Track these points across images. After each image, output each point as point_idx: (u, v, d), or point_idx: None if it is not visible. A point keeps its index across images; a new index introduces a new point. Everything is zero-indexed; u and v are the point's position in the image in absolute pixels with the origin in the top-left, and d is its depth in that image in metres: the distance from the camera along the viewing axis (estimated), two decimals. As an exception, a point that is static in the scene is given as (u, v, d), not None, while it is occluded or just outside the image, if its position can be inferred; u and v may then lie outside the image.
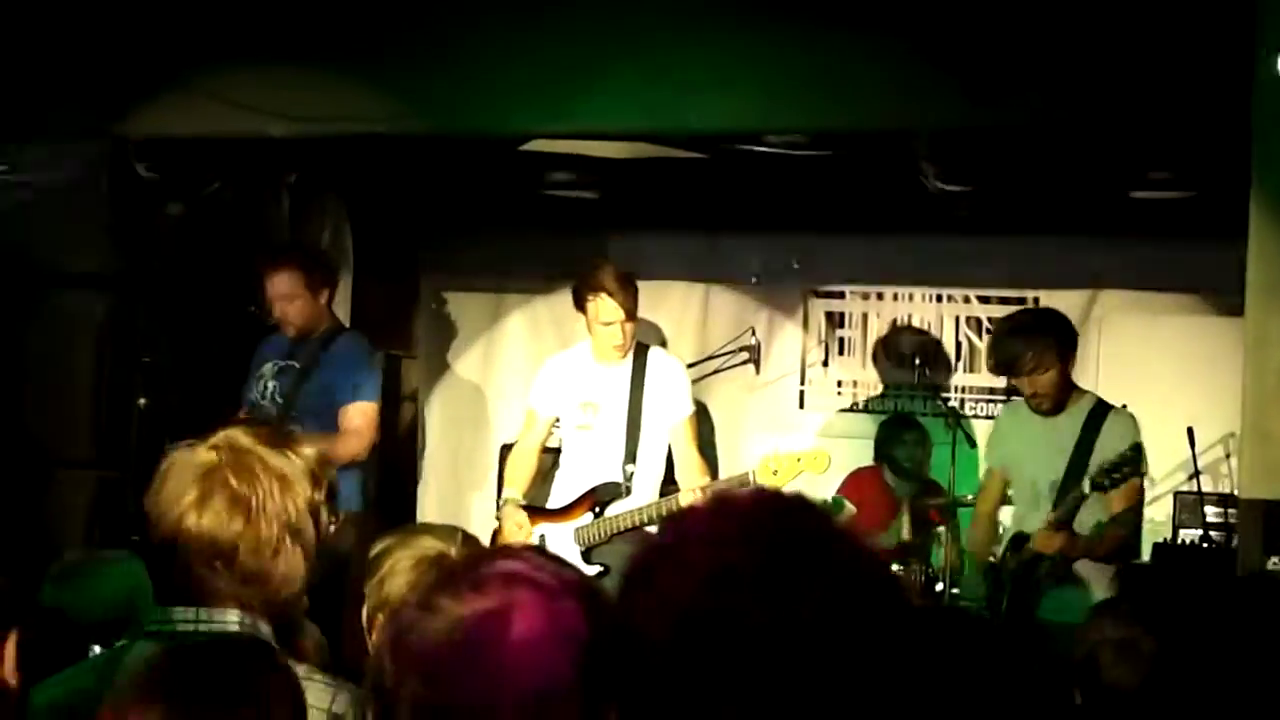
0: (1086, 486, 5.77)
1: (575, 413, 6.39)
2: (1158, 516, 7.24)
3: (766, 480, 5.88)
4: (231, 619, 2.49)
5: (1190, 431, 6.82)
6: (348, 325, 7.46)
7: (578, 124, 5.83)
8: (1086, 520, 5.92)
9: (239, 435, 2.58)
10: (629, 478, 6.20)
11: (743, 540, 1.55)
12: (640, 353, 6.36)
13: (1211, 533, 6.83)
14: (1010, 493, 6.35)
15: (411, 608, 1.71)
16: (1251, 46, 4.87)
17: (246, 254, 7.04)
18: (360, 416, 6.42)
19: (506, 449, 7.86)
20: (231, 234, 7.29)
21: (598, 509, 6.21)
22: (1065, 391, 6.02)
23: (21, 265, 6.85)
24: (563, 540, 6.20)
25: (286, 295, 6.45)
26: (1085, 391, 6.17)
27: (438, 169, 7.45)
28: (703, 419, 7.62)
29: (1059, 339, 5.97)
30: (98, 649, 3.36)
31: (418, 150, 7.02)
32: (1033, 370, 5.90)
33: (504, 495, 6.51)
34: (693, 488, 6.05)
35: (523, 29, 5.70)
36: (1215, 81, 5.13)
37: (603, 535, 6.18)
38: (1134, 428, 6.03)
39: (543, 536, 6.25)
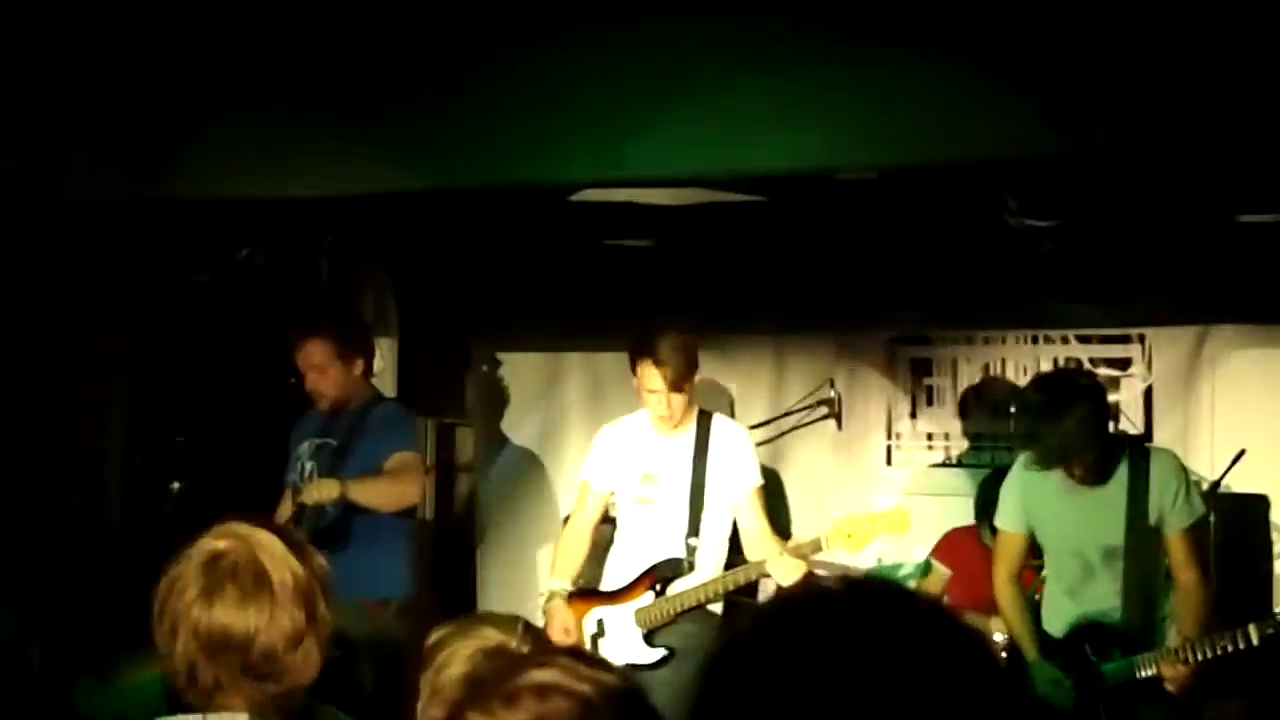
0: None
1: (634, 485, 6.42)
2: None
3: (840, 544, 5.92)
4: None
5: (1320, 475, 6.80)
6: (394, 395, 7.59)
7: (632, 171, 5.90)
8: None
9: (239, 525, 2.63)
10: (691, 552, 6.21)
11: (827, 633, 1.52)
12: (704, 420, 6.37)
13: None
14: (1039, 561, 6.27)
15: None
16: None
17: (282, 323, 7.20)
18: (400, 463, 6.46)
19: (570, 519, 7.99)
20: (266, 302, 7.45)
21: (659, 587, 6.22)
22: (1110, 456, 5.87)
23: (48, 341, 7.03)
24: (623, 623, 6.24)
25: (318, 366, 6.58)
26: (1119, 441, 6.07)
27: (484, 225, 7.58)
28: (779, 482, 7.69)
29: (1098, 408, 5.83)
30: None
31: (462, 207, 7.13)
32: (1081, 453, 5.76)
33: (549, 586, 6.52)
34: (761, 558, 6.06)
35: (570, 74, 5.80)
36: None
37: (666, 616, 6.18)
38: (1180, 465, 5.98)
39: (600, 621, 6.29)
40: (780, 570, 5.91)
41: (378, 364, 8.12)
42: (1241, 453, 6.81)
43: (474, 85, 5.96)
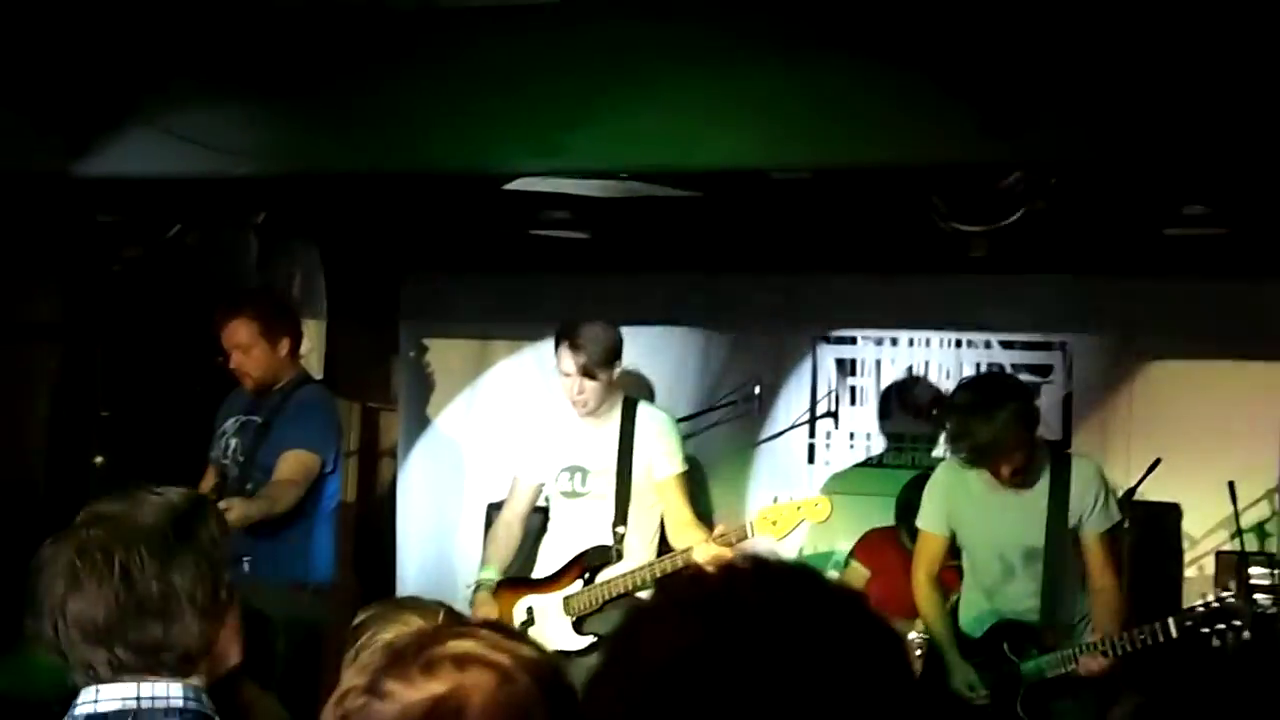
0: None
1: (561, 477, 6.41)
2: (1198, 577, 7.29)
3: (765, 532, 5.89)
4: (175, 692, 2.54)
5: (1231, 486, 6.85)
6: (320, 376, 7.51)
7: (568, 162, 5.85)
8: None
9: (105, 505, 2.59)
10: (619, 540, 6.22)
11: (706, 619, 1.52)
12: (629, 407, 6.37)
13: (1256, 595, 6.82)
14: (961, 563, 6.27)
15: (359, 692, 1.73)
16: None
17: (211, 301, 7.11)
18: (288, 464, 6.32)
19: (494, 508, 7.92)
20: (195, 280, 7.36)
21: (587, 575, 6.22)
22: (1036, 461, 5.91)
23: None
24: (552, 611, 6.23)
25: (242, 345, 6.49)
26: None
27: (418, 209, 7.51)
28: (703, 474, 7.67)
29: (1024, 409, 5.84)
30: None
31: (396, 189, 7.07)
32: (1010, 453, 5.77)
33: (477, 577, 6.48)
34: (687, 545, 6.04)
35: (509, 62, 5.74)
36: (1250, 111, 5.18)
37: (594, 603, 6.18)
38: (1099, 471, 6.04)
39: (530, 609, 6.28)
40: (706, 558, 5.85)
41: (305, 345, 8.06)
42: (1157, 461, 6.85)
43: (413, 70, 5.89)
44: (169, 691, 2.54)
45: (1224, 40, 5.17)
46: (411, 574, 8.49)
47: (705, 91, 5.57)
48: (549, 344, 7.51)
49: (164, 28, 6.02)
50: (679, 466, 6.34)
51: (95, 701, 2.53)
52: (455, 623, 3.12)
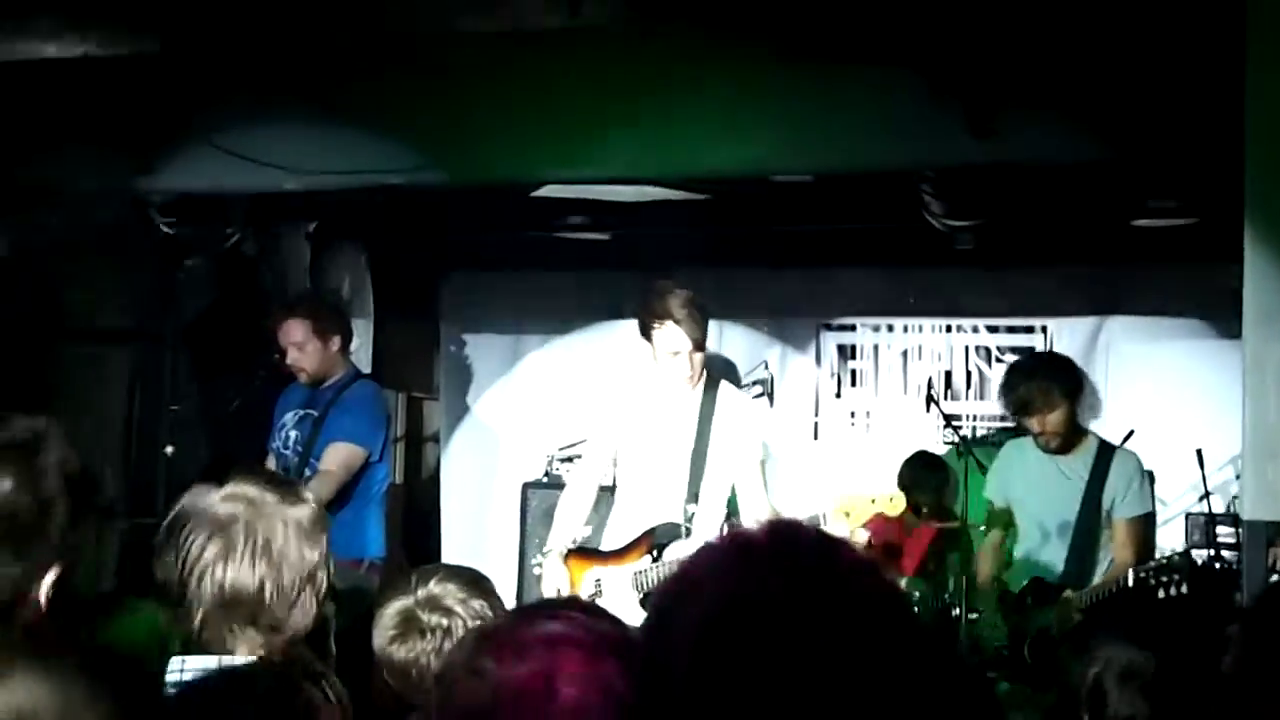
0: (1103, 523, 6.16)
1: (636, 445, 5.92)
2: (1170, 539, 7.30)
3: (839, 521, 5.56)
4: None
5: (1199, 453, 6.86)
6: (368, 370, 7.56)
7: (587, 172, 5.89)
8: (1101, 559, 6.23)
9: (249, 487, 2.63)
10: (689, 519, 5.77)
11: (753, 573, 1.54)
12: (711, 385, 5.87)
13: (1224, 552, 6.86)
14: (1016, 526, 6.52)
15: (458, 669, 1.77)
16: (1242, 78, 4.94)
17: (268, 303, 7.15)
18: (331, 455, 6.38)
19: (528, 488, 7.96)
20: (254, 284, 7.40)
21: (655, 552, 5.79)
22: (1073, 432, 6.29)
23: (52, 320, 6.97)
24: (619, 585, 5.80)
25: (297, 343, 6.54)
26: (1090, 433, 6.45)
27: (454, 215, 7.55)
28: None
29: (1066, 380, 6.28)
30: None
31: (434, 197, 7.10)
32: (1042, 410, 6.17)
33: (548, 544, 6.02)
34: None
35: (531, 80, 5.77)
36: (1209, 112, 5.20)
37: (661, 580, 5.59)
38: (1140, 466, 6.35)
39: (598, 581, 5.86)
40: None
41: (355, 342, 8.09)
42: (1130, 433, 6.88)
43: (448, 89, 5.93)
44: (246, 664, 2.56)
45: (1188, 42, 5.19)
46: (453, 551, 8.50)
47: (711, 104, 5.61)
48: (577, 336, 7.60)
49: (219, 55, 6.05)
50: (759, 452, 5.98)
51: (181, 671, 2.56)
52: (457, 583, 3.18)
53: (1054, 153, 5.55)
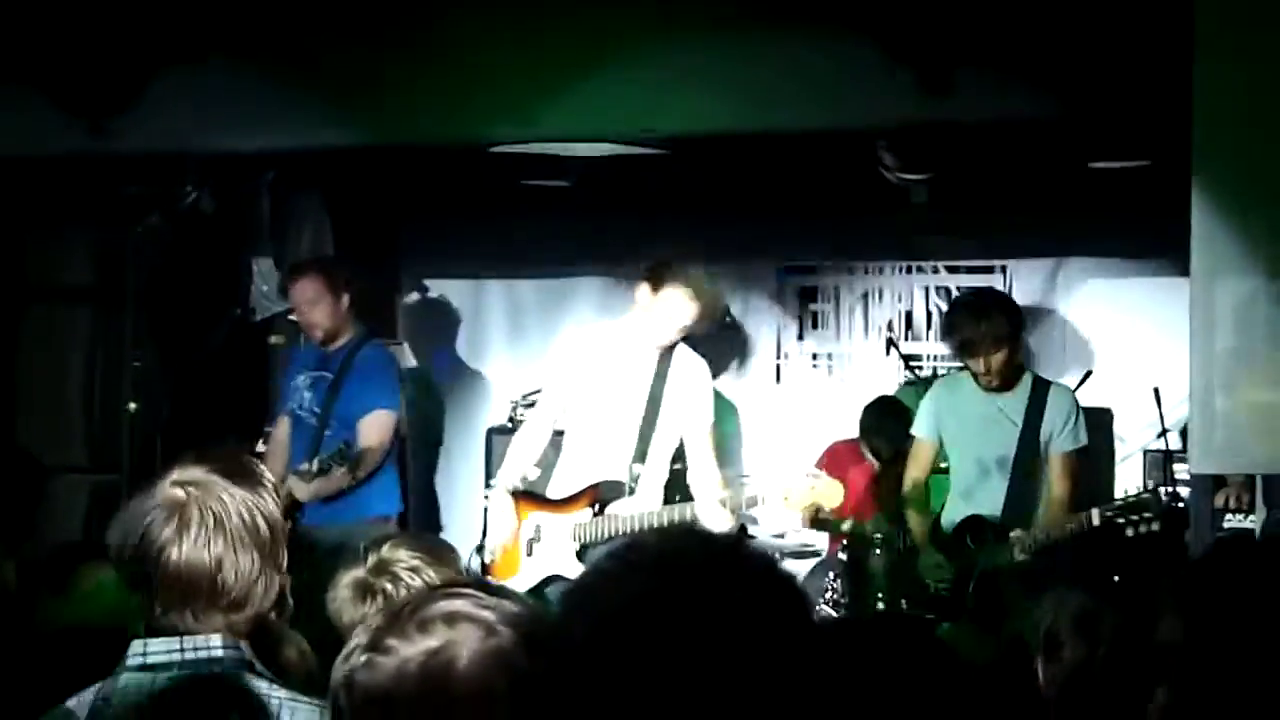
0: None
1: (589, 397, 5.95)
2: (1128, 476, 7.44)
3: (777, 504, 5.78)
4: (215, 643, 2.61)
5: (1156, 391, 6.94)
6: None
7: (545, 131, 5.94)
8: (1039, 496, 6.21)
9: (196, 470, 2.70)
10: (635, 479, 5.86)
11: (641, 574, 1.65)
12: (666, 350, 5.91)
13: (1180, 489, 6.94)
14: (947, 464, 6.47)
15: (363, 648, 1.89)
16: (1189, 38, 5.03)
17: (229, 257, 7.20)
18: (372, 428, 6.56)
19: (492, 433, 8.04)
20: (213, 239, 7.44)
21: (597, 506, 5.87)
22: (1014, 370, 6.23)
23: (10, 279, 7.01)
24: (559, 533, 5.91)
25: (310, 300, 6.67)
26: (1025, 369, 6.40)
27: (413, 165, 7.57)
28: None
29: (1009, 319, 6.17)
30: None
31: (394, 149, 7.13)
32: (987, 352, 6.07)
33: (495, 479, 6.16)
34: (701, 495, 5.81)
35: (490, 39, 5.82)
36: (1159, 68, 5.29)
37: (600, 535, 5.82)
38: (1074, 401, 6.32)
39: (538, 527, 5.96)
40: (711, 518, 5.61)
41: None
42: (1088, 374, 7.03)
43: (401, 49, 5.96)
44: (209, 642, 2.61)
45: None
46: (418, 494, 8.55)
47: (670, 63, 5.65)
48: (539, 281, 7.63)
49: (171, 15, 6.08)
50: (710, 417, 6.04)
51: (144, 655, 2.61)
52: (412, 548, 3.26)
53: (1008, 106, 5.63)
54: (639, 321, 5.85)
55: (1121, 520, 5.73)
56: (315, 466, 6.28)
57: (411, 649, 1.86)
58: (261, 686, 2.59)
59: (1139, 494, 5.86)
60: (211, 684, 2.59)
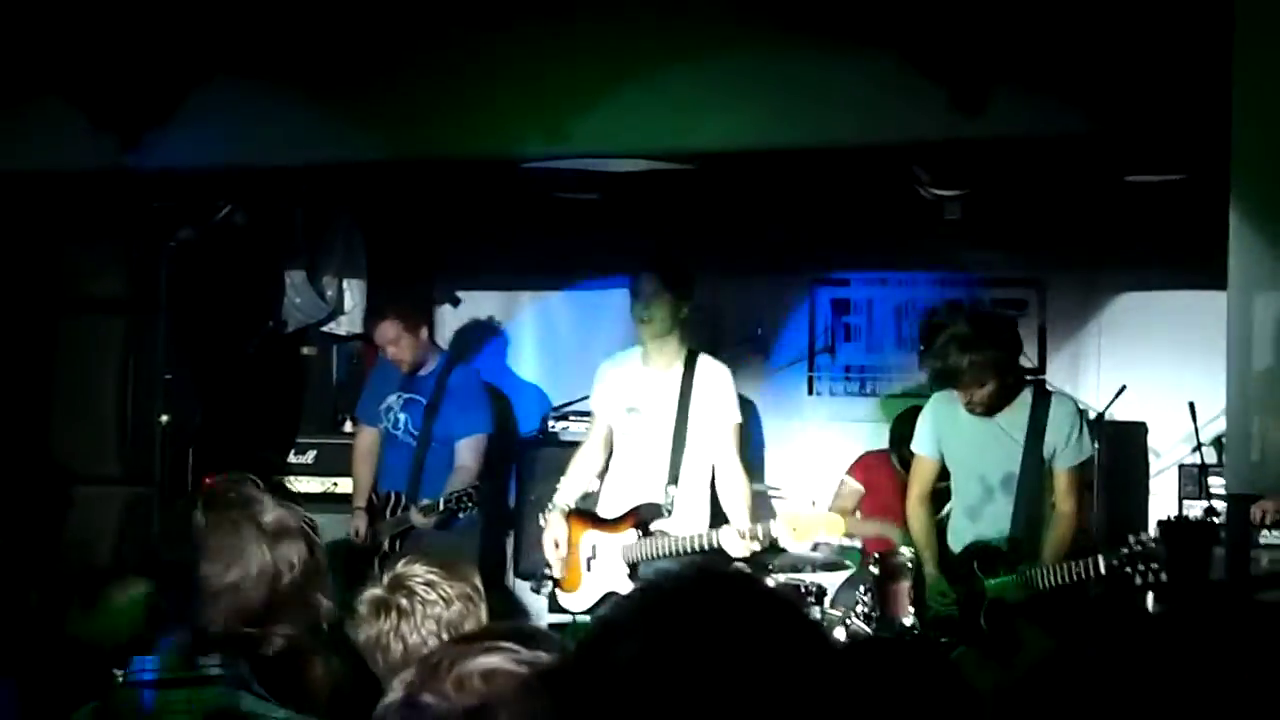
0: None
1: (623, 419, 6.30)
2: (1163, 490, 7.41)
3: (785, 536, 5.84)
4: (212, 663, 2.66)
5: (1191, 406, 6.92)
6: (361, 329, 7.75)
7: (577, 147, 5.96)
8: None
9: (227, 495, 2.74)
10: (670, 501, 6.14)
11: (664, 618, 1.62)
12: (690, 359, 6.23)
13: (1215, 503, 6.90)
14: (950, 484, 6.27)
15: (400, 705, 1.87)
16: (1227, 52, 5.01)
17: (261, 271, 7.23)
18: (467, 451, 7.06)
19: (524, 444, 8.07)
20: (246, 253, 7.49)
21: (641, 530, 6.14)
22: (1003, 398, 5.94)
23: (44, 292, 7.06)
24: (611, 553, 6.20)
25: (393, 339, 7.11)
26: (1023, 384, 6.13)
27: (446, 179, 7.60)
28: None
29: (999, 351, 5.87)
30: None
31: (426, 171, 7.18)
32: (970, 385, 5.85)
33: (554, 499, 6.39)
34: (735, 530, 5.93)
35: (522, 57, 5.86)
36: (1196, 81, 5.27)
37: (645, 556, 6.09)
38: (1077, 410, 6.09)
39: (594, 546, 6.24)
40: (730, 543, 5.86)
41: (349, 302, 8.20)
42: (1123, 388, 6.97)
43: (435, 67, 5.99)
44: (205, 660, 2.66)
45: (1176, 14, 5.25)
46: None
47: (701, 80, 5.67)
48: (572, 293, 7.65)
49: (204, 32, 6.12)
50: (735, 417, 6.24)
51: (142, 672, 2.66)
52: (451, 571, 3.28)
53: (1041, 122, 5.61)
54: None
55: (1129, 570, 5.50)
56: (442, 505, 6.72)
57: (448, 707, 1.84)
58: (258, 707, 2.62)
59: (1145, 543, 5.53)
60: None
